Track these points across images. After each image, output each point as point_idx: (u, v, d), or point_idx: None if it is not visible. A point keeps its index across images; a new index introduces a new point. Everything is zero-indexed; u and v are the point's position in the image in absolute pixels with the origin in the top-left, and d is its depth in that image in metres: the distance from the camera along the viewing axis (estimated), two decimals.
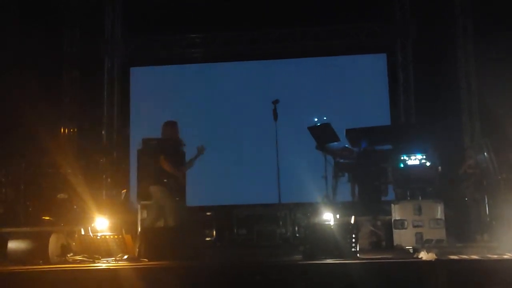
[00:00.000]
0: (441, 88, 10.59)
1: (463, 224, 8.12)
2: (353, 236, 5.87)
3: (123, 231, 6.53)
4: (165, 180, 7.43)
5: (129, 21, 11.63)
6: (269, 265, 5.54)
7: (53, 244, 6.16)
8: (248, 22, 11.13)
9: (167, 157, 7.49)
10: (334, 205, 7.65)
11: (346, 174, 8.35)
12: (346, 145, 8.27)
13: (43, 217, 8.38)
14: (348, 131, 8.16)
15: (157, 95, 11.42)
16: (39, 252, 6.05)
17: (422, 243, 6.73)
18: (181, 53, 11.65)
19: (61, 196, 8.70)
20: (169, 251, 6.19)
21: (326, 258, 5.60)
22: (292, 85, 11.09)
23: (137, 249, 6.40)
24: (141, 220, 7.97)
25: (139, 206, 8.16)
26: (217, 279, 5.12)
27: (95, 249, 6.30)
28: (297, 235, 8.88)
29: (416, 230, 7.00)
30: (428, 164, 7.29)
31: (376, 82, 11.22)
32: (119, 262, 5.98)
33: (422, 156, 7.30)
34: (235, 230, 9.56)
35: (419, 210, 7.07)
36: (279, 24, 11.16)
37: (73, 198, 8.50)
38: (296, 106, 10.52)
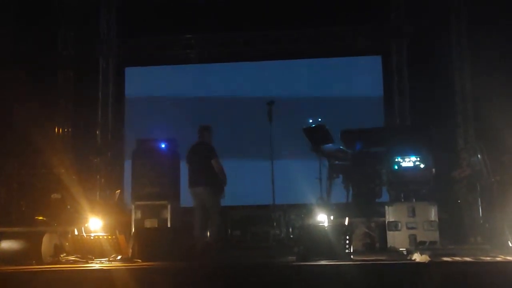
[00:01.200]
0: (436, 90, 10.62)
1: (456, 226, 8.14)
2: (347, 237, 5.87)
3: (117, 232, 6.51)
4: (213, 182, 7.82)
5: (124, 21, 11.61)
6: (263, 266, 5.54)
7: (46, 244, 6.14)
8: (243, 23, 11.14)
9: (218, 159, 7.85)
10: (328, 206, 7.65)
11: (341, 176, 8.35)
12: (341, 147, 8.28)
13: (37, 217, 8.36)
14: (343, 133, 8.17)
15: (152, 95, 11.41)
16: (32, 252, 6.03)
17: (416, 245, 6.74)
18: (176, 54, 11.64)
19: (54, 196, 8.67)
20: (162, 252, 6.19)
21: (320, 260, 5.60)
22: (287, 86, 11.10)
23: (131, 250, 6.39)
24: (135, 220, 7.96)
25: (133, 207, 8.15)
26: (211, 280, 5.11)
27: (89, 250, 6.29)
28: (291, 236, 8.89)
29: (409, 232, 7.00)
30: (422, 166, 7.30)
31: (371, 83, 11.24)
32: (112, 263, 5.96)
33: (416, 158, 7.31)
34: (229, 231, 9.56)
35: (413, 212, 7.07)
36: (274, 26, 11.16)
37: (66, 198, 8.48)
38: (291, 107, 10.52)
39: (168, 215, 7.92)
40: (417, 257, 5.44)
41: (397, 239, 7.03)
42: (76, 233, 6.51)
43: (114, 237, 6.38)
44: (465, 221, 8.28)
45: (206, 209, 7.91)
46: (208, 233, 8.01)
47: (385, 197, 8.07)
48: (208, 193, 7.89)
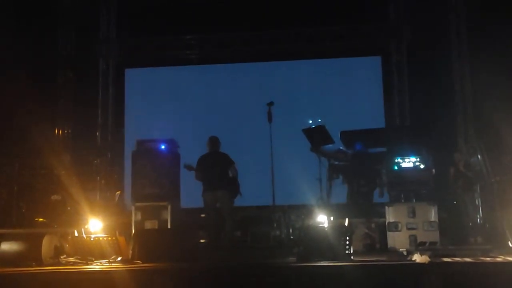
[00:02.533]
0: (436, 91, 10.61)
1: (456, 226, 8.14)
2: (347, 238, 5.87)
3: (117, 233, 6.51)
4: (231, 186, 8.35)
5: (124, 22, 11.62)
6: (263, 267, 5.53)
7: (46, 245, 6.13)
8: (243, 24, 11.15)
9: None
10: (328, 207, 7.65)
11: (341, 176, 8.35)
12: (341, 147, 8.28)
13: (37, 219, 8.36)
14: (343, 133, 8.17)
15: (152, 96, 11.41)
16: (32, 254, 6.02)
17: (416, 245, 6.73)
18: (176, 55, 11.66)
19: (54, 197, 8.67)
20: (163, 253, 6.18)
21: (320, 260, 5.60)
22: (287, 87, 11.11)
23: (131, 251, 6.38)
24: (135, 221, 7.95)
25: (133, 208, 8.13)
26: (211, 281, 5.11)
27: (89, 251, 6.28)
28: (291, 237, 8.88)
29: (410, 233, 7.00)
30: (422, 166, 7.30)
31: (370, 84, 11.24)
32: (112, 264, 5.96)
33: (416, 158, 7.31)
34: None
35: (413, 213, 7.07)
36: (274, 26, 11.17)
37: (67, 199, 8.47)
38: (291, 108, 10.53)
39: (168, 216, 7.90)
40: (417, 257, 5.44)
41: (397, 240, 7.03)
42: (76, 234, 6.50)
43: (114, 238, 6.37)
44: (464, 221, 8.28)
45: (218, 212, 8.29)
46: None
47: (385, 197, 8.07)
48: (227, 196, 8.32)
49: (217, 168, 8.34)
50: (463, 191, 8.35)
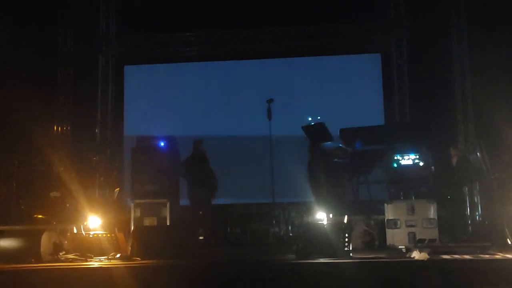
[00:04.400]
0: (436, 88, 10.61)
1: (456, 223, 8.14)
2: (346, 235, 5.88)
3: (116, 230, 6.51)
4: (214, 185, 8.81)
5: (123, 19, 11.60)
6: (263, 264, 5.54)
7: (45, 242, 6.15)
8: (243, 21, 11.14)
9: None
10: (328, 204, 7.64)
11: (339, 173, 8.35)
12: (340, 145, 8.27)
13: (36, 215, 8.35)
14: (342, 131, 8.15)
15: (151, 93, 11.41)
16: (31, 250, 6.03)
17: (415, 242, 6.73)
18: (175, 52, 11.64)
19: (54, 194, 8.66)
20: (161, 250, 6.19)
21: (319, 257, 5.61)
22: (287, 84, 11.10)
23: (130, 248, 6.39)
24: (134, 218, 7.95)
25: (132, 205, 8.13)
26: (210, 278, 5.11)
27: (88, 248, 6.28)
28: (291, 234, 8.90)
29: (409, 230, 6.99)
30: (421, 164, 7.29)
31: (370, 81, 11.23)
32: (111, 261, 5.97)
33: (416, 156, 7.30)
34: (229, 229, 9.56)
35: (412, 210, 7.07)
36: (274, 23, 11.16)
37: (66, 196, 8.46)
38: (290, 105, 10.54)
39: (167, 213, 7.91)
40: (416, 254, 5.45)
41: (396, 237, 7.02)
42: (75, 231, 6.51)
43: (113, 235, 6.38)
44: (464, 218, 8.29)
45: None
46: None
47: (384, 195, 8.06)
48: (208, 195, 8.71)
49: (200, 169, 8.71)
50: (460, 189, 8.37)
